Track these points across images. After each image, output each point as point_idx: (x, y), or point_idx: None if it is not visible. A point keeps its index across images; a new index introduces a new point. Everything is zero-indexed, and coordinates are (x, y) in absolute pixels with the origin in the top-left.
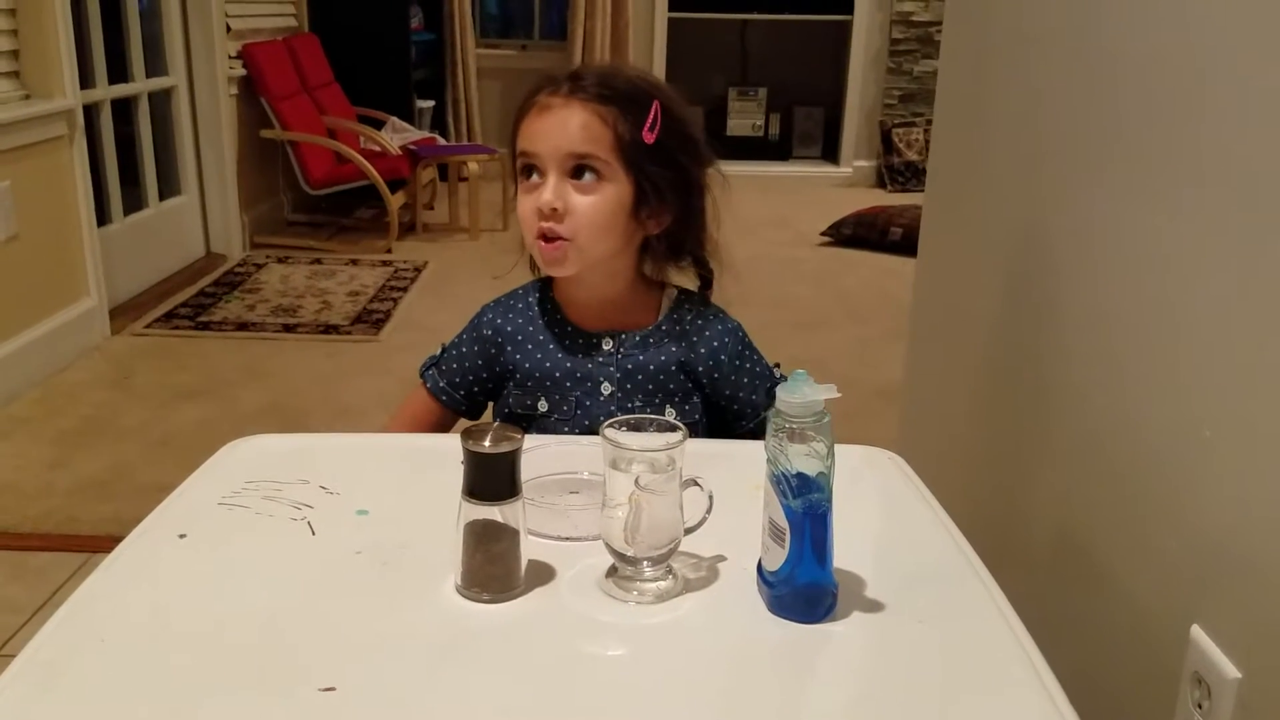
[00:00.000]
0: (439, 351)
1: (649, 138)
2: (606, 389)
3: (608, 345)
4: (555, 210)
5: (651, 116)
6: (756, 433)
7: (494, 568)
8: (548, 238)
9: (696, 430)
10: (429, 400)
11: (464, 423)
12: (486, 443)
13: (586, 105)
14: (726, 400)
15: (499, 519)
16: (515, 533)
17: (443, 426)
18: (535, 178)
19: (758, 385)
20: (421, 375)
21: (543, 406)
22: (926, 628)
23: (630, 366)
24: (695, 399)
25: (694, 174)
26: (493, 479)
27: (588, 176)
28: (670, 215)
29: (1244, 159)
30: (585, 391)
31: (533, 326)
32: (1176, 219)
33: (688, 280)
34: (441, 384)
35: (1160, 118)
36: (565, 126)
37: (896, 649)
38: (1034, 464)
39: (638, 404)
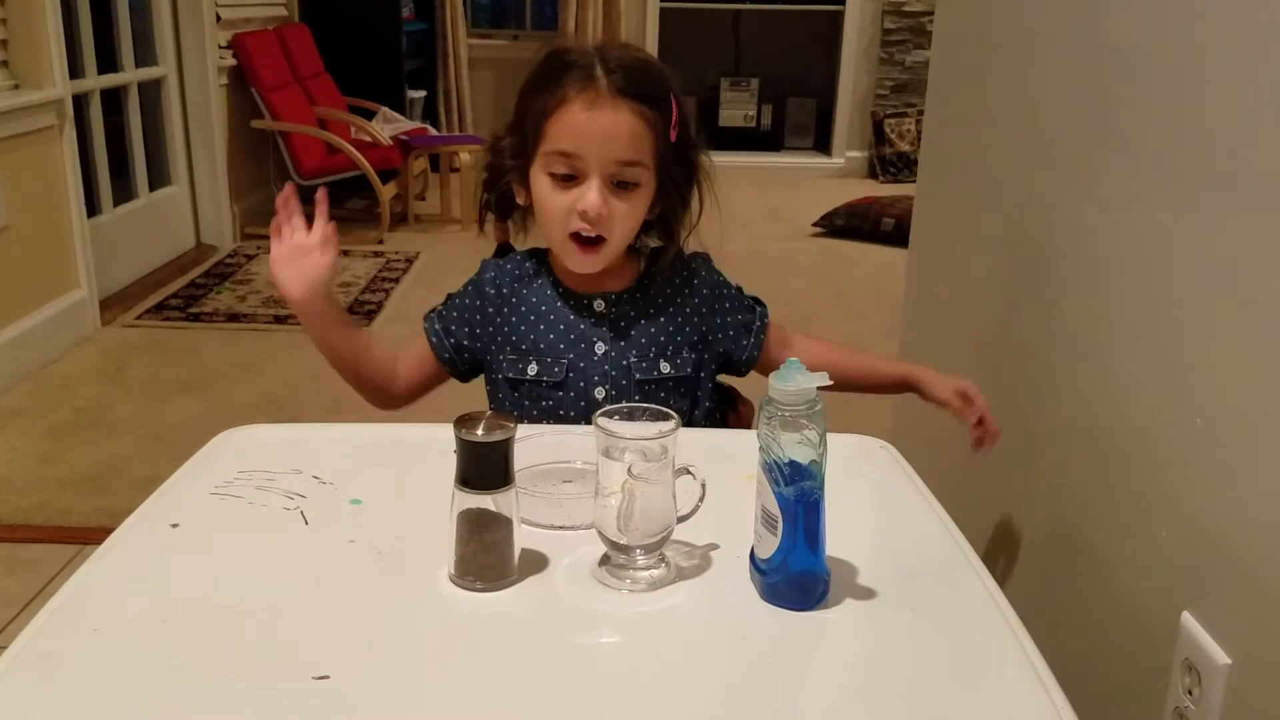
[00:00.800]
0: (439, 308)
1: (673, 135)
2: (600, 349)
3: (599, 306)
4: (600, 215)
5: (675, 114)
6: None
7: (487, 556)
8: (583, 238)
9: (694, 384)
10: (423, 346)
11: (456, 409)
12: (479, 431)
13: (633, 108)
14: (720, 330)
15: (492, 508)
16: (508, 521)
17: (433, 378)
18: (571, 176)
19: (736, 303)
20: (424, 319)
21: (533, 370)
22: (919, 615)
23: (623, 324)
24: (686, 352)
25: (694, 160)
26: (486, 468)
27: (630, 184)
28: (671, 201)
29: (1242, 151)
30: (579, 353)
31: (527, 289)
32: (1168, 209)
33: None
34: (437, 327)
35: (1153, 108)
36: (615, 133)
37: (889, 636)
38: (1026, 453)
39: (631, 360)
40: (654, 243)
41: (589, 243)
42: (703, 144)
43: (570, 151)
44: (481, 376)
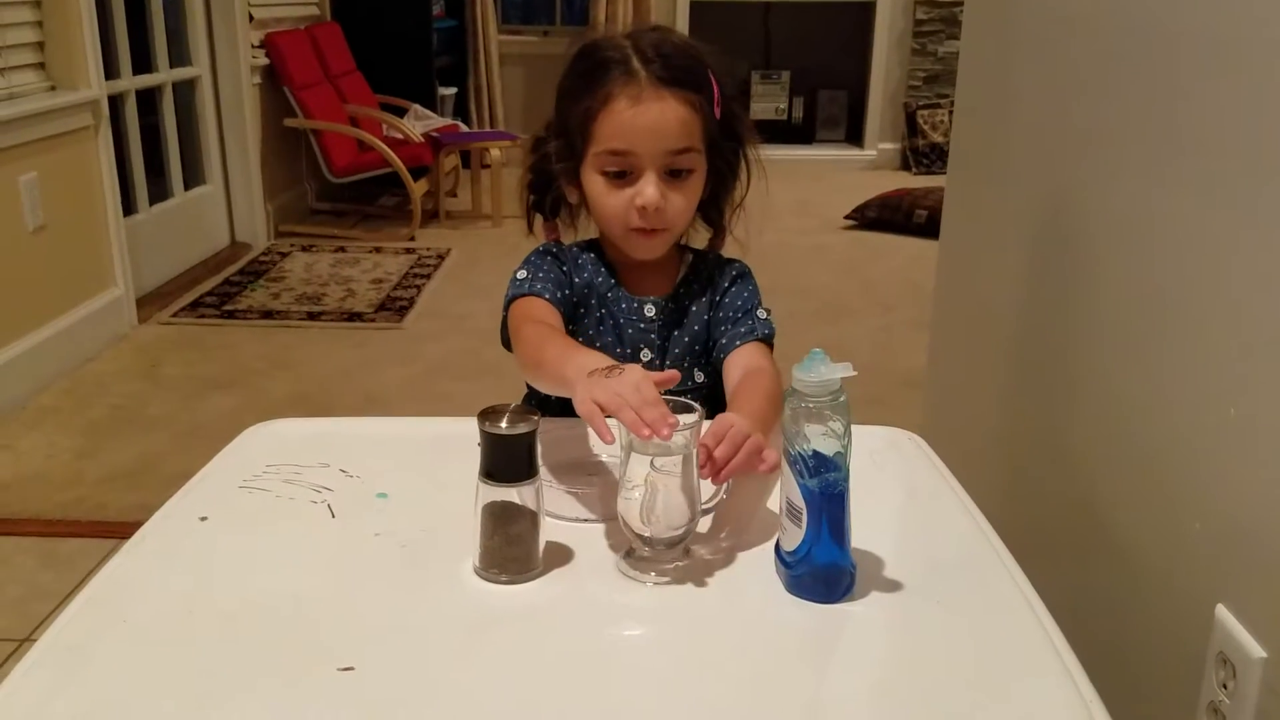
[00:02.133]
0: (522, 275)
1: (717, 112)
2: (646, 356)
3: (650, 311)
4: (659, 209)
5: (716, 92)
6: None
7: (512, 549)
8: (644, 229)
9: (713, 389)
10: (549, 306)
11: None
12: (503, 424)
13: (678, 95)
14: (713, 326)
15: (516, 500)
16: (533, 514)
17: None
18: (625, 173)
19: (740, 306)
20: (525, 294)
21: None
22: (946, 609)
23: (667, 332)
24: (710, 357)
25: (742, 134)
26: (510, 460)
27: (684, 172)
28: (719, 177)
29: (1276, 139)
30: (625, 359)
31: (589, 289)
32: (1201, 199)
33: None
34: (557, 294)
35: (1186, 96)
36: (664, 122)
37: (916, 630)
38: (1057, 446)
39: (668, 367)
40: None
41: (649, 230)
42: (744, 113)
43: (622, 149)
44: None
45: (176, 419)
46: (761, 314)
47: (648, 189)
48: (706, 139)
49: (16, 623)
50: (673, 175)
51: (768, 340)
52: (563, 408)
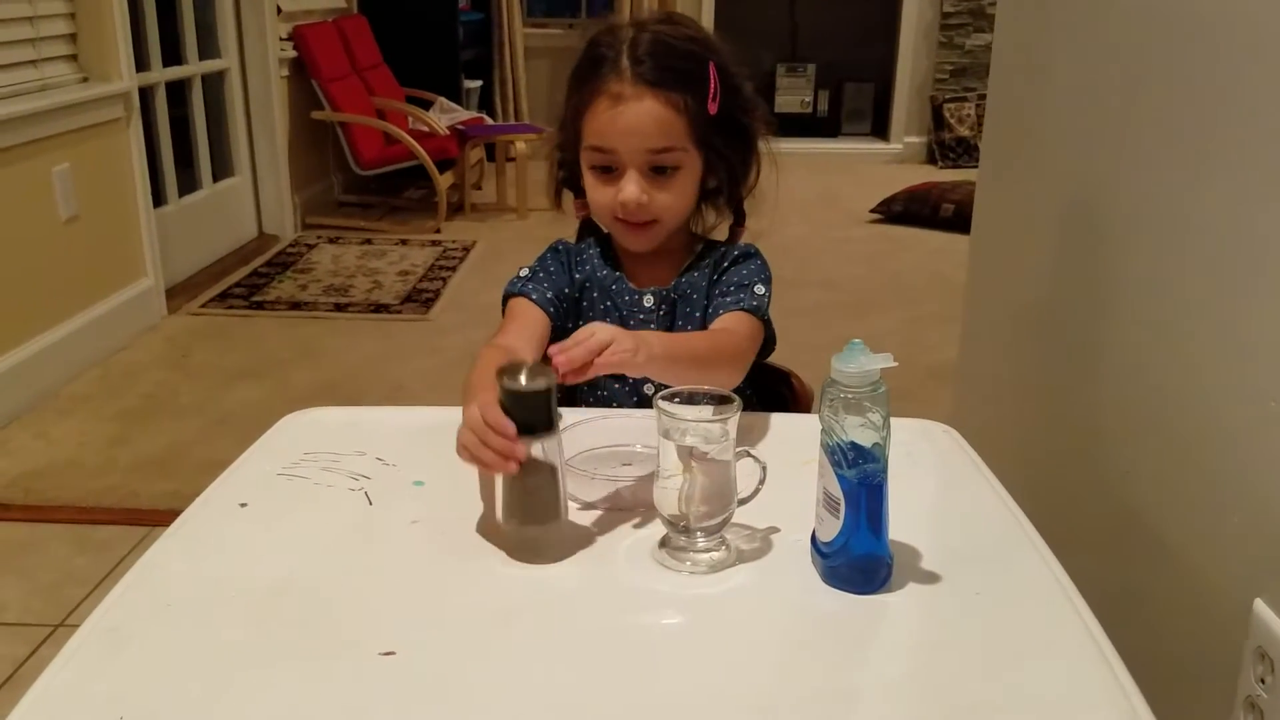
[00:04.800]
0: (524, 273)
1: (713, 108)
2: None
3: (649, 302)
4: (641, 205)
5: (713, 87)
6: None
7: (531, 498)
8: (631, 223)
9: None
10: (534, 308)
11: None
12: (522, 379)
13: (658, 95)
14: (712, 301)
15: (535, 453)
16: (553, 467)
17: (546, 339)
18: (612, 170)
19: (738, 281)
20: (517, 293)
21: None
22: (983, 600)
23: (669, 321)
24: None
25: (749, 125)
26: (528, 414)
27: (668, 169)
28: (727, 168)
29: None
30: None
31: (589, 281)
32: (1239, 191)
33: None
34: (548, 295)
35: (1222, 88)
36: (641, 123)
37: (953, 620)
38: (1093, 439)
39: None
40: (713, 223)
41: (639, 224)
42: (758, 104)
43: (603, 147)
44: None
45: (206, 408)
46: (758, 289)
47: (628, 186)
48: (695, 136)
49: (51, 608)
50: (657, 172)
51: (755, 313)
52: (592, 403)
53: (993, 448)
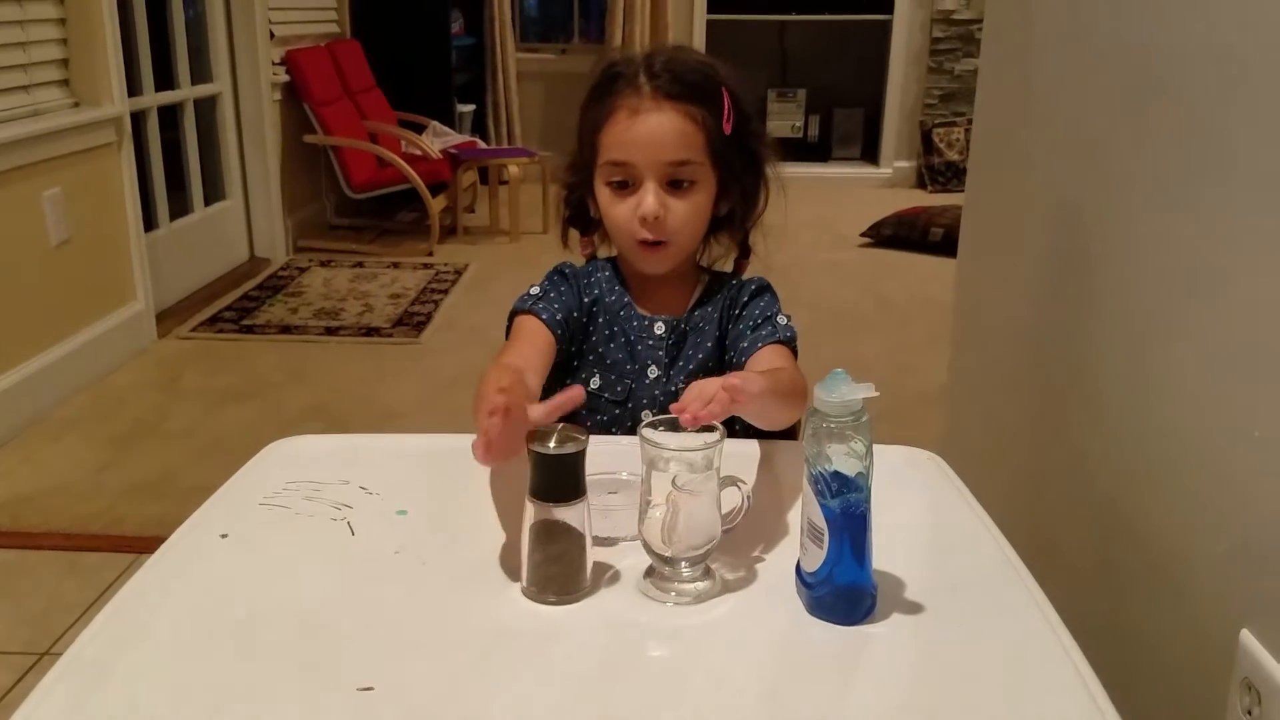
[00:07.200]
0: (534, 291)
1: (727, 128)
2: (653, 373)
3: (659, 330)
4: (659, 218)
5: (726, 108)
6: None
7: (555, 567)
8: (648, 242)
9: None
10: (542, 327)
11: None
12: (551, 444)
13: (677, 107)
14: (733, 338)
15: (560, 519)
16: (580, 535)
17: (551, 360)
18: (629, 184)
19: (759, 315)
20: (527, 310)
21: (595, 383)
22: (968, 630)
23: (677, 350)
24: None
25: (758, 152)
26: (554, 480)
27: (685, 183)
28: (738, 194)
29: None
30: (634, 375)
31: (597, 306)
32: (1226, 218)
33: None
34: (558, 316)
35: (1206, 115)
36: (662, 134)
37: (937, 651)
38: (1077, 466)
39: (680, 386)
40: (721, 254)
41: (655, 244)
42: (767, 135)
43: (622, 160)
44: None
45: (196, 432)
46: (782, 319)
47: (647, 198)
48: (711, 152)
49: (38, 635)
50: (674, 186)
51: (789, 344)
52: (591, 428)
53: (981, 471)
